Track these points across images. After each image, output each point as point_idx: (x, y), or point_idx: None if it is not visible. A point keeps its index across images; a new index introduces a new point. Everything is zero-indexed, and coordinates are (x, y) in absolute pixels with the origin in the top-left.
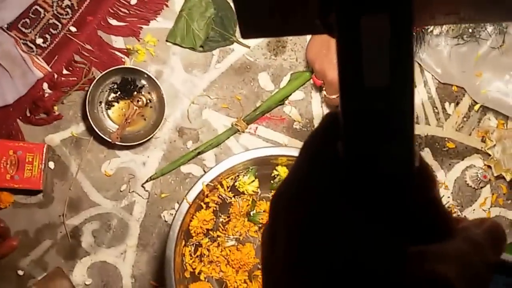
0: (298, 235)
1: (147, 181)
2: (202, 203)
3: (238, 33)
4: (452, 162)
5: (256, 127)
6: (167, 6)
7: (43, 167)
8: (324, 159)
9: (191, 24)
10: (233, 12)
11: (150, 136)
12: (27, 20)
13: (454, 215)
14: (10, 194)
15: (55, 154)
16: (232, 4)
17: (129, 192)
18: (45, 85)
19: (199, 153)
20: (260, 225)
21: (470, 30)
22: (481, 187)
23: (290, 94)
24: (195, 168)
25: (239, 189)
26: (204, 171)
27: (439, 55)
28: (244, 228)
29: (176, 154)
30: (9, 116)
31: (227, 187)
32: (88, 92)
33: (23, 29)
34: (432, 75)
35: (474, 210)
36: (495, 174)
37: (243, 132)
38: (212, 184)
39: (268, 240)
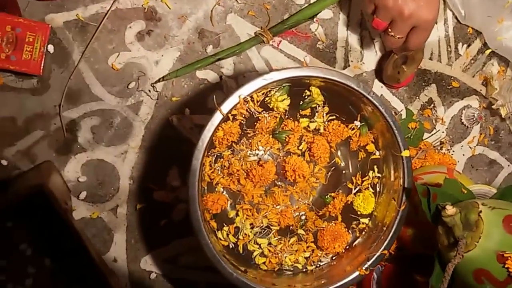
0: None
1: (158, 80)
2: (229, 115)
3: None
4: (453, 100)
5: (280, 41)
6: None
7: (45, 50)
8: None
9: None
10: None
11: None
12: None
13: (445, 149)
14: (1, 75)
15: (56, 37)
16: None
17: (137, 90)
18: None
19: (218, 59)
20: (285, 144)
21: None
22: (473, 126)
23: (320, 11)
24: (211, 74)
25: (268, 104)
26: (221, 79)
27: None
28: (268, 145)
29: (193, 57)
30: None
31: (257, 101)
32: None
33: None
34: (453, 14)
35: (462, 146)
36: (503, 115)
37: (268, 43)
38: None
39: None
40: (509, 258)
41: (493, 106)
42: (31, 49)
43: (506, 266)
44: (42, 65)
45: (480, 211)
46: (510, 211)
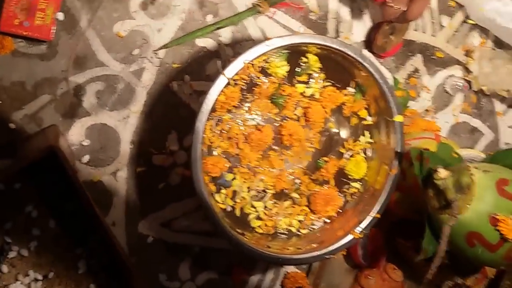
0: None
1: (160, 48)
2: (231, 80)
3: None
4: (437, 69)
5: (275, 11)
6: None
7: (56, 17)
8: None
9: None
10: None
11: None
12: None
13: (429, 116)
14: (12, 40)
15: (65, 5)
16: None
17: (140, 57)
18: None
19: (218, 28)
20: (282, 108)
21: None
22: (456, 95)
23: None
24: (210, 42)
25: (267, 70)
26: (219, 47)
27: None
28: (266, 110)
29: (194, 25)
30: None
31: (258, 67)
32: None
33: None
34: None
35: (446, 114)
36: (475, 89)
37: (264, 13)
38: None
39: None
40: (501, 220)
41: (466, 78)
42: (43, 15)
43: (498, 228)
44: (53, 31)
45: (473, 174)
46: (503, 174)
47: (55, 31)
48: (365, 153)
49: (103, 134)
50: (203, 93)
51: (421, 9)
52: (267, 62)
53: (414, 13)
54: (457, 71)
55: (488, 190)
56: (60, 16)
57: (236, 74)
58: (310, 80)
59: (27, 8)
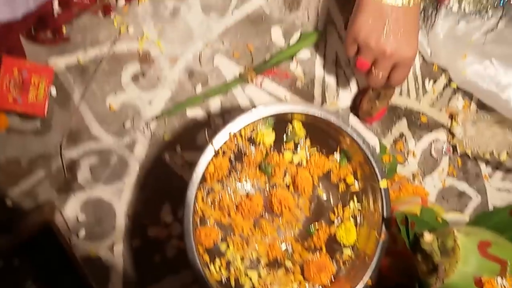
0: None
1: (151, 120)
2: (219, 150)
3: None
4: (422, 133)
5: (262, 80)
6: None
7: (49, 92)
8: None
9: None
10: None
11: None
12: None
13: (417, 181)
14: (6, 117)
15: (58, 80)
16: None
17: (132, 129)
18: (55, 3)
19: (207, 98)
20: (271, 177)
21: (485, 10)
22: (442, 159)
23: (298, 52)
24: (200, 112)
25: (255, 139)
26: (209, 117)
27: (434, 37)
28: (255, 178)
29: (184, 96)
30: (11, 30)
31: (245, 137)
32: None
33: None
34: (420, 53)
35: (433, 178)
36: (459, 152)
37: (252, 82)
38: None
39: None
40: (486, 282)
41: (451, 142)
42: (36, 91)
43: None
44: (46, 107)
45: (456, 237)
46: (485, 236)
47: (48, 106)
48: (354, 219)
49: (98, 208)
50: (194, 164)
51: (404, 75)
52: (254, 131)
53: (397, 79)
54: (442, 134)
55: (471, 253)
56: (53, 91)
57: (224, 144)
58: (297, 147)
59: (20, 85)
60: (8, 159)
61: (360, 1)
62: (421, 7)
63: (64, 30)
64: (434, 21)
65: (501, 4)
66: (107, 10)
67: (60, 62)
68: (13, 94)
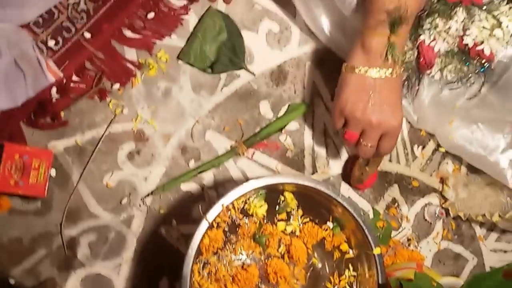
0: None
1: (147, 195)
2: (213, 223)
3: (246, 60)
4: (415, 198)
5: (254, 152)
6: (181, 24)
7: (48, 174)
8: None
9: (203, 45)
10: (243, 40)
11: None
12: (40, 19)
13: (412, 245)
14: (9, 199)
15: (57, 161)
16: (242, 32)
17: (128, 205)
18: (53, 90)
19: (200, 172)
20: (265, 247)
21: (466, 78)
22: (436, 222)
23: (287, 124)
24: (194, 186)
25: (248, 211)
26: (203, 190)
27: (420, 103)
28: (250, 249)
29: (178, 171)
30: (12, 117)
31: (238, 209)
32: None
33: (35, 28)
34: (407, 120)
35: (428, 242)
36: (452, 215)
37: (243, 154)
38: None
39: None
40: None
41: (443, 206)
42: (37, 174)
43: None
44: (46, 188)
45: None
46: None
47: (48, 187)
48: (350, 287)
49: (97, 283)
50: (190, 237)
51: (392, 143)
52: (246, 203)
53: (386, 148)
54: (434, 198)
55: None
56: (53, 172)
57: (218, 216)
58: (290, 217)
59: (22, 169)
60: (10, 239)
61: (344, 75)
62: (404, 76)
63: (62, 115)
64: (418, 89)
65: (481, 71)
66: (102, 94)
67: (59, 145)
68: (15, 178)
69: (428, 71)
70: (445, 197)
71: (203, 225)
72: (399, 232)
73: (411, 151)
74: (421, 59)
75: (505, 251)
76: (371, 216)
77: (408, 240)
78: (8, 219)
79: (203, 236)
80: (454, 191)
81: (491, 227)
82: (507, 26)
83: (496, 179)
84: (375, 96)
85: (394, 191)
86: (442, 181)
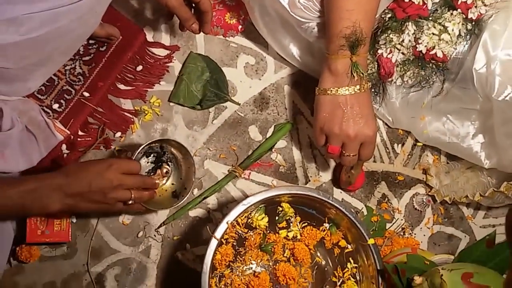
0: None
1: (160, 226)
2: (222, 240)
3: (230, 92)
4: (402, 191)
5: (250, 173)
6: (168, 71)
7: (70, 221)
8: None
9: (190, 86)
10: (225, 76)
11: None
12: (42, 87)
13: (407, 233)
14: (38, 248)
15: None
16: (223, 68)
17: (145, 237)
18: (63, 146)
19: (204, 198)
20: (272, 254)
21: (425, 80)
22: (425, 210)
23: (276, 143)
24: (201, 211)
25: (252, 224)
26: (209, 213)
27: (392, 106)
28: (258, 258)
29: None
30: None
31: (242, 224)
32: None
33: (39, 96)
34: (383, 122)
35: (421, 228)
36: (438, 201)
37: (240, 176)
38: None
39: None
40: None
41: (429, 193)
42: (60, 221)
43: None
44: (70, 233)
45: (442, 275)
46: (467, 269)
47: (71, 232)
48: (354, 278)
49: None
50: (203, 256)
51: (371, 150)
52: (249, 218)
53: (366, 155)
54: (420, 189)
55: (457, 285)
56: (73, 219)
57: (225, 233)
58: (289, 224)
59: (46, 220)
60: (44, 284)
61: (318, 98)
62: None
63: None
64: (385, 95)
65: (439, 71)
66: (108, 144)
67: None
68: (41, 228)
69: (389, 79)
70: (430, 186)
71: (213, 243)
72: (393, 224)
73: (392, 149)
74: (382, 70)
75: (493, 226)
76: (365, 213)
77: (403, 229)
78: (39, 266)
79: (215, 253)
80: (437, 179)
81: (478, 206)
82: (452, 30)
83: (473, 162)
84: (349, 112)
85: (382, 188)
86: (425, 172)
